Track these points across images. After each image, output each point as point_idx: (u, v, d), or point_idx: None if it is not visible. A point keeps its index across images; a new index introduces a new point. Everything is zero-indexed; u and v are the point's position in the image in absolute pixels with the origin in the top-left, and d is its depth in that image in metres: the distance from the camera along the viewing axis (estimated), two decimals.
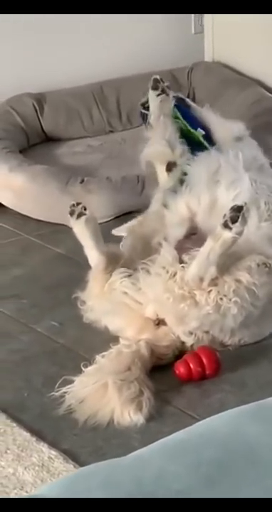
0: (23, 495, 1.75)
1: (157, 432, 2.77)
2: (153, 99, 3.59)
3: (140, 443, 2.64)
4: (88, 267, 3.63)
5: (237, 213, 3.09)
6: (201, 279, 3.16)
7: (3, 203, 4.32)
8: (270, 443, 1.80)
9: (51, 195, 4.19)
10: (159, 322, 3.25)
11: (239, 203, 3.19)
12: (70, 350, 3.34)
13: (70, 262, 3.95)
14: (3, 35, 4.71)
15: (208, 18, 5.11)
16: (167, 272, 3.22)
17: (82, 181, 4.17)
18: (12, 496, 2.55)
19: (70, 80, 4.87)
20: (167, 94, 3.60)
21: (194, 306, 3.17)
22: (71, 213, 3.39)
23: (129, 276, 3.31)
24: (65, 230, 4.08)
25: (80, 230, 3.43)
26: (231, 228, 3.08)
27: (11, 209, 4.31)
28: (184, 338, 3.21)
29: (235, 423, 1.91)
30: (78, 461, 2.72)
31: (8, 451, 2.79)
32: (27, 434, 2.86)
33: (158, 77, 3.52)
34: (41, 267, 3.95)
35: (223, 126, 3.95)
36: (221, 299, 3.17)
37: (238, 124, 4.02)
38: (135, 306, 3.28)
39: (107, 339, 3.32)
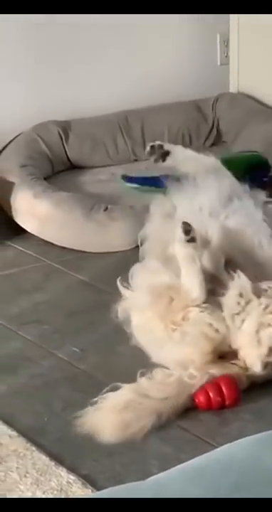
0: None
1: (175, 458, 2.72)
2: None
3: (158, 469, 2.61)
4: (111, 293, 3.64)
5: None
6: None
7: (27, 229, 4.32)
8: None
9: (75, 221, 4.19)
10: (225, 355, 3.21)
11: None
12: (91, 377, 3.31)
13: (92, 288, 3.93)
14: (29, 63, 4.75)
15: (233, 50, 5.13)
16: (260, 304, 3.18)
17: (106, 209, 4.18)
18: None
19: (95, 108, 4.89)
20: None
21: None
22: (187, 232, 3.18)
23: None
24: (89, 257, 4.12)
25: (188, 256, 3.22)
26: None
27: (34, 235, 4.30)
28: (256, 369, 3.17)
29: (253, 450, 1.91)
30: (96, 486, 2.70)
31: (28, 475, 2.79)
32: (46, 459, 2.83)
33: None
34: (63, 293, 3.93)
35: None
36: None
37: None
38: (216, 337, 3.19)
39: (130, 365, 3.30)
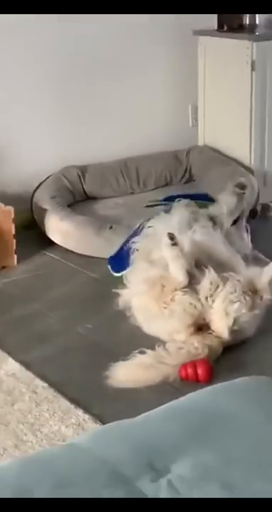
0: (66, 442, 1.73)
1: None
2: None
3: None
4: (113, 287, 3.64)
5: None
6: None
7: (55, 241, 4.33)
8: (238, 408, 1.80)
9: (88, 236, 4.20)
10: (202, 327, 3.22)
11: None
12: (100, 345, 3.33)
13: (100, 283, 3.94)
14: (58, 124, 4.75)
15: (200, 116, 5.13)
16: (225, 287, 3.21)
17: (110, 227, 4.19)
18: (58, 443, 2.57)
19: (104, 156, 4.89)
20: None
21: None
22: (171, 239, 3.23)
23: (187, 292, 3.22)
24: (98, 261, 4.12)
25: (174, 254, 3.23)
26: None
27: (60, 245, 4.31)
28: (225, 336, 3.18)
29: (211, 396, 1.91)
30: (103, 422, 2.71)
31: (55, 414, 2.81)
32: (68, 403, 2.87)
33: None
34: (80, 286, 3.94)
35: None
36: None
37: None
38: (194, 313, 3.20)
39: (128, 337, 3.33)
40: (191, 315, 3.16)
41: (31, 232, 4.39)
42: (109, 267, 3.99)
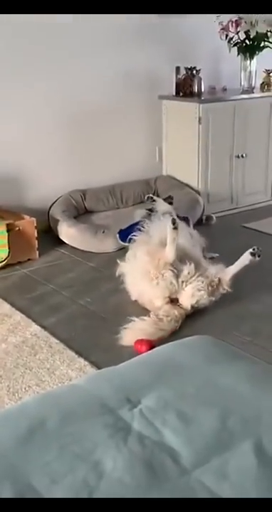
0: (70, 382, 1.68)
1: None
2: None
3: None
4: (106, 272, 3.59)
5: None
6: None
7: (65, 241, 4.26)
8: (188, 357, 1.76)
9: (87, 238, 4.16)
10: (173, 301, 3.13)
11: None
12: (97, 314, 3.27)
13: (97, 270, 3.88)
14: (66, 157, 4.67)
15: (164, 155, 5.08)
16: (197, 279, 3.11)
17: (103, 231, 4.14)
18: (66, 383, 2.53)
19: (98, 181, 4.84)
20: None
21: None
22: (173, 223, 3.09)
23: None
24: (95, 255, 4.07)
25: (172, 237, 3.08)
26: None
27: (68, 244, 4.24)
28: (188, 309, 3.10)
29: (168, 350, 1.86)
30: (99, 367, 2.66)
31: (64, 362, 2.76)
32: (73, 353, 2.82)
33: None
34: (83, 273, 3.87)
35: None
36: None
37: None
38: (172, 289, 3.09)
39: (119, 307, 3.28)
40: (170, 290, 3.09)
41: (48, 235, 4.32)
42: (117, 236, 3.91)
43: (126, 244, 3.68)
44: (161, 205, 3.92)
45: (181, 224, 3.45)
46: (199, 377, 1.62)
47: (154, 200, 3.99)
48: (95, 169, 4.84)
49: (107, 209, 4.79)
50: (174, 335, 2.93)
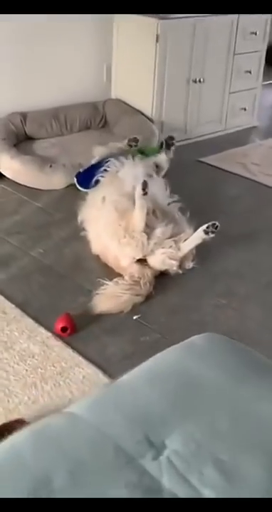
0: (67, 410, 1.36)
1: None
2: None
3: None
4: (58, 216, 3.21)
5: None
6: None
7: (7, 176, 3.76)
8: (203, 370, 1.48)
9: (34, 173, 3.68)
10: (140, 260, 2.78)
11: None
12: (54, 269, 2.88)
13: (46, 212, 3.44)
14: (6, 76, 4.09)
15: (113, 75, 4.59)
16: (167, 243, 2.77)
17: (50, 166, 3.69)
18: (28, 361, 2.20)
19: (40, 104, 4.30)
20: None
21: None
22: (143, 189, 2.72)
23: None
24: (42, 193, 3.64)
25: (141, 203, 2.73)
26: None
27: (12, 180, 3.75)
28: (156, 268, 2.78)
29: (178, 357, 1.56)
30: (66, 342, 2.35)
31: (23, 334, 2.41)
32: (32, 321, 2.46)
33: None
34: (31, 215, 3.42)
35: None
36: None
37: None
38: (143, 252, 2.75)
39: (74, 261, 2.92)
40: (141, 251, 2.73)
41: None
42: (75, 181, 3.37)
43: (88, 190, 3.24)
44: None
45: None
46: (230, 404, 1.34)
47: (136, 144, 3.53)
48: (36, 89, 4.28)
49: (49, 136, 4.28)
50: (148, 301, 2.64)
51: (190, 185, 3.79)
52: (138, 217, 2.73)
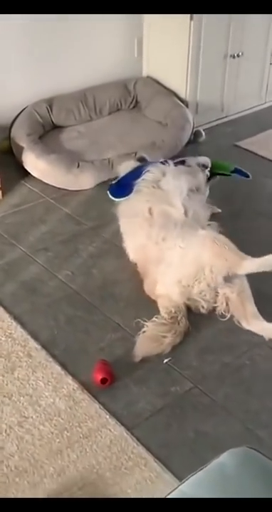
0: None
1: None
2: None
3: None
4: (87, 224, 3.05)
5: None
6: None
7: (34, 175, 3.58)
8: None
9: (60, 173, 3.50)
10: None
11: None
12: (81, 297, 2.71)
13: (75, 220, 3.26)
14: (28, 61, 3.83)
15: (145, 49, 4.27)
16: None
17: (78, 166, 3.49)
18: (54, 420, 2.11)
19: (67, 87, 4.05)
20: None
21: None
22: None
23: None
24: (70, 194, 3.48)
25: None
26: None
27: (39, 179, 3.57)
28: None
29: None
30: (91, 392, 2.25)
31: (49, 384, 2.30)
32: (58, 367, 2.34)
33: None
34: (58, 223, 3.23)
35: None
36: None
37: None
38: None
39: (102, 285, 2.77)
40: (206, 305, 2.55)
41: (10, 161, 3.62)
42: (108, 192, 3.11)
43: (122, 199, 3.02)
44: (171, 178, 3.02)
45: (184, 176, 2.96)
46: None
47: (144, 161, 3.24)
48: (61, 71, 4.02)
49: (78, 122, 4.06)
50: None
51: (224, 181, 3.50)
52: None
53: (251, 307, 2.53)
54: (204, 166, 3.12)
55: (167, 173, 2.98)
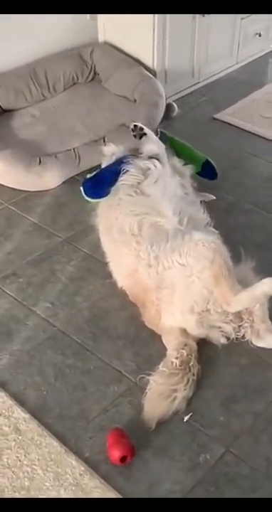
0: None
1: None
2: None
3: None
4: (60, 235, 2.59)
5: None
6: None
7: None
8: None
9: (19, 172, 2.95)
10: None
11: None
12: (68, 337, 2.23)
13: (45, 232, 2.74)
14: None
15: None
16: None
17: (39, 162, 2.95)
18: None
19: (11, 62, 3.46)
20: None
21: None
22: None
23: None
24: (31, 197, 2.94)
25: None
26: None
27: None
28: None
29: None
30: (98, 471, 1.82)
31: (48, 470, 1.84)
32: (57, 445, 1.88)
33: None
34: (26, 238, 2.71)
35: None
36: None
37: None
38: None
39: (92, 319, 2.31)
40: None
41: None
42: (81, 189, 2.60)
43: (99, 199, 2.52)
44: (149, 143, 2.62)
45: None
46: None
47: (144, 134, 2.66)
48: (1, 44, 3.40)
49: (30, 104, 3.49)
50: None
51: (214, 155, 3.00)
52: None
53: (267, 319, 2.17)
54: (156, 159, 2.59)
55: (149, 174, 2.48)
